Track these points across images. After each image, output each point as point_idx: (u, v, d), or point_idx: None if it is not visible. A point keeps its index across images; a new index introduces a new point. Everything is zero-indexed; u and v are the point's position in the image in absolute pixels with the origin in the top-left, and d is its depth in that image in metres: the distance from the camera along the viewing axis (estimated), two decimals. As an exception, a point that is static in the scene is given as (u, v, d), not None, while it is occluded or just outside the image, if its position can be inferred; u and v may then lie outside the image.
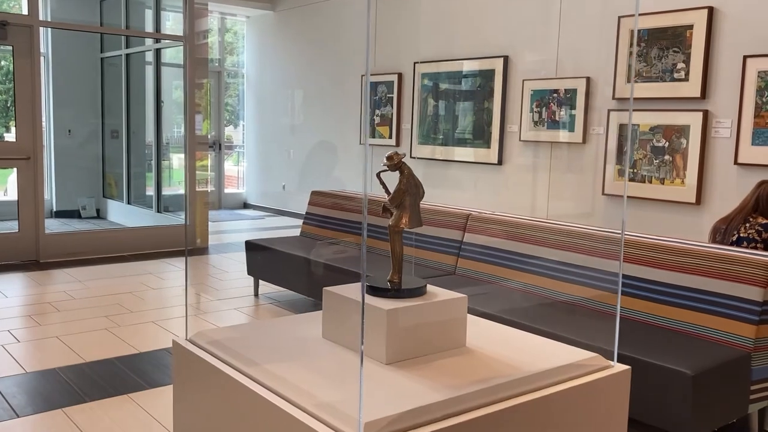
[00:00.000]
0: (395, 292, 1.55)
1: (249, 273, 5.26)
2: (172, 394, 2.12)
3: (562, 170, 6.20)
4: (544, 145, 6.32)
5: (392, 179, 1.77)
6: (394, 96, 7.92)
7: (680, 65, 5.30)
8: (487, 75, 6.81)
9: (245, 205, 10.96)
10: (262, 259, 5.01)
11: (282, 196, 10.08)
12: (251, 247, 5.16)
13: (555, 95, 6.19)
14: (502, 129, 6.69)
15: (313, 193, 5.57)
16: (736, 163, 4.99)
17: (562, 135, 6.14)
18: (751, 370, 2.82)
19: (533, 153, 6.43)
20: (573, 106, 6.05)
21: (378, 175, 1.64)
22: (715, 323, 2.91)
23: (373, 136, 8.21)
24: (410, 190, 1.58)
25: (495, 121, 6.74)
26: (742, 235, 3.39)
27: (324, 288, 1.59)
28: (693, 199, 5.23)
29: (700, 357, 2.72)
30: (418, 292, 1.58)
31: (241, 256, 6.53)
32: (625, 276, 3.24)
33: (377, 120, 8.17)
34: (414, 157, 7.61)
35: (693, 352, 2.77)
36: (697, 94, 5.18)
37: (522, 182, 6.54)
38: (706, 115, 5.16)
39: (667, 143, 5.39)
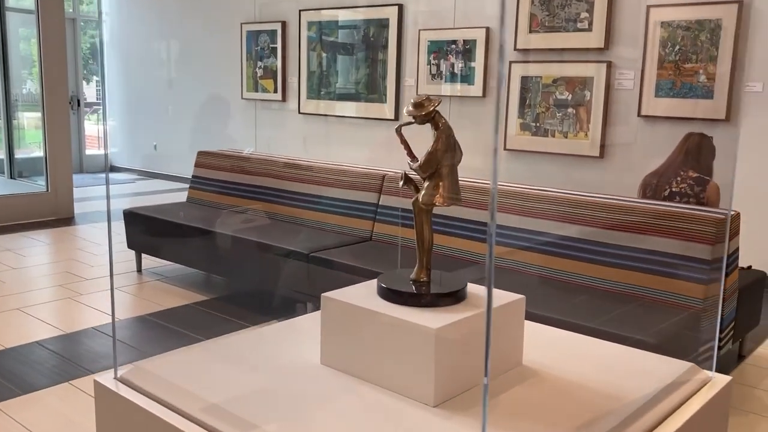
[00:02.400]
0: (431, 297, 1.06)
1: (130, 246, 4.63)
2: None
3: (463, 125, 5.96)
4: (443, 99, 6.05)
5: (418, 136, 1.30)
6: (278, 46, 7.33)
7: (584, 15, 5.17)
8: (381, 24, 6.41)
9: (112, 168, 9.97)
10: (149, 230, 4.40)
11: (154, 157, 9.22)
12: (133, 217, 4.53)
13: (453, 46, 5.91)
14: (398, 83, 6.35)
15: (201, 153, 4.98)
16: (639, 115, 4.96)
17: (462, 88, 5.89)
18: (700, 331, 2.71)
19: (432, 107, 6.14)
20: (472, 58, 5.80)
21: (399, 130, 1.19)
22: (663, 285, 2.77)
23: (256, 90, 7.61)
24: (449, 152, 1.16)
25: (390, 75, 6.38)
26: (674, 189, 3.28)
27: (323, 295, 1.11)
28: (597, 153, 5.18)
29: (655, 323, 2.56)
30: (461, 295, 1.09)
31: (114, 226, 5.82)
32: (568, 238, 3.03)
33: (260, 73, 7.56)
34: (302, 113, 7.12)
35: (647, 318, 2.60)
36: (601, 45, 5.08)
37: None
38: (609, 66, 5.07)
39: (570, 96, 5.28)
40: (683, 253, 2.73)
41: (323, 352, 1.24)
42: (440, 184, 1.12)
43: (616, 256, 2.87)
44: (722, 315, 2.82)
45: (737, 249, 2.89)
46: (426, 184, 1.13)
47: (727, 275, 2.80)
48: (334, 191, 3.99)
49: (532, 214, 3.16)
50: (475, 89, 5.79)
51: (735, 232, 2.84)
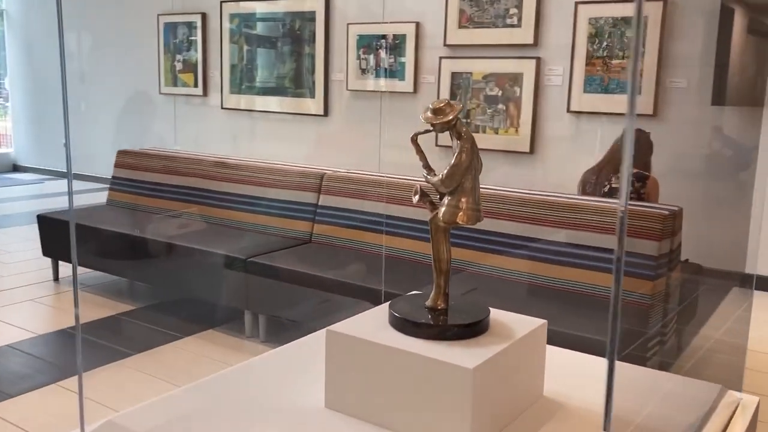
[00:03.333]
0: (456, 330, 0.93)
1: (46, 254, 4.30)
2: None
3: (394, 121, 5.89)
4: (373, 95, 5.95)
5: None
6: (198, 39, 7.03)
7: (513, 11, 5.18)
8: (307, 17, 6.23)
9: (15, 168, 9.34)
10: (69, 236, 4.09)
11: (64, 157, 8.68)
12: (49, 222, 4.21)
13: (383, 41, 5.81)
14: (326, 77, 6.19)
15: (121, 153, 4.69)
16: (569, 111, 5.02)
17: (393, 84, 5.81)
18: (648, 327, 2.73)
19: (362, 103, 6.04)
20: (402, 53, 5.73)
21: (415, 138, 1.06)
22: (610, 281, 2.76)
23: (175, 85, 7.27)
24: (473, 163, 1.03)
25: (318, 69, 6.22)
26: (614, 185, 3.30)
27: (328, 329, 0.94)
28: (527, 148, 5.21)
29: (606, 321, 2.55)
30: (484, 325, 0.96)
31: (25, 231, 5.42)
32: (513, 236, 3.00)
33: (179, 66, 7.22)
34: (225, 108, 6.86)
35: (598, 317, 2.59)
36: (530, 41, 5.11)
37: (351, 134, 6.14)
38: (538, 62, 5.11)
39: (501, 92, 5.29)
40: (631, 250, 2.74)
41: (329, 394, 1.05)
42: (463, 199, 1.00)
43: (561, 254, 2.86)
44: (667, 310, 2.86)
45: (680, 244, 2.94)
46: (447, 199, 1.01)
47: (671, 270, 2.84)
48: (269, 191, 3.82)
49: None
50: (406, 85, 5.72)
51: (678, 228, 2.88)
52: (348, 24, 5.96)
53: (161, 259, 3.67)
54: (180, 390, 1.11)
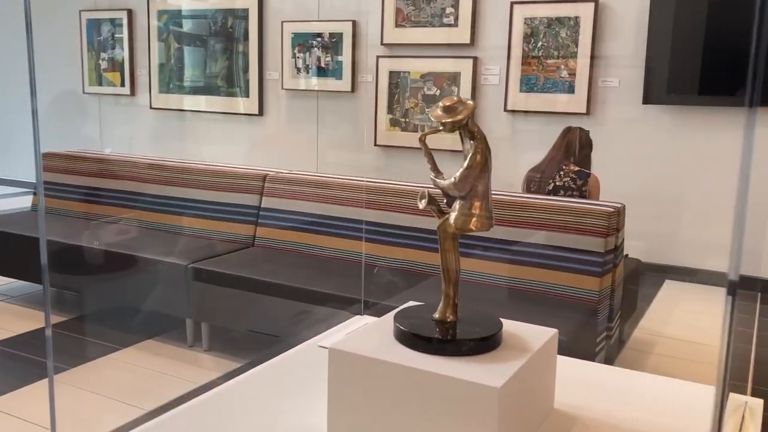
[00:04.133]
0: (471, 344, 0.86)
1: (-35, 264, 4.02)
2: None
3: (332, 121, 5.82)
4: (310, 94, 5.87)
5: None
6: (125, 37, 6.76)
7: (449, 10, 5.20)
8: (240, 15, 6.08)
9: (-76, 172, 8.75)
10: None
11: (-21, 160, 8.19)
12: (-33, 231, 3.93)
13: (319, 39, 5.74)
14: (261, 76, 6.06)
15: (47, 156, 4.44)
16: (506, 110, 5.08)
17: (330, 83, 5.74)
18: (597, 323, 2.78)
19: (298, 102, 5.94)
20: (339, 52, 5.67)
21: (423, 139, 0.99)
22: (559, 279, 2.80)
23: (100, 84, 6.98)
24: (487, 166, 0.98)
25: (252, 68, 6.09)
26: (558, 183, 3.35)
27: (330, 347, 0.83)
28: (466, 147, 5.24)
29: (563, 319, 2.58)
30: (498, 338, 0.89)
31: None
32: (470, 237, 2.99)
33: (104, 65, 6.93)
34: (155, 108, 6.62)
35: (550, 314, 2.62)
36: (467, 41, 5.14)
37: (288, 135, 6.03)
38: (475, 62, 5.15)
39: (439, 91, 5.31)
40: (577, 247, 2.78)
41: (333, 420, 0.92)
42: (476, 204, 0.96)
43: (511, 252, 2.87)
44: (613, 305, 2.92)
45: (623, 240, 2.99)
46: (458, 204, 0.96)
47: (615, 266, 2.90)
48: (209, 194, 3.70)
49: (409, 210, 3.08)
50: (344, 84, 5.66)
51: (622, 224, 2.93)
52: (282, 22, 5.85)
53: (95, 267, 3.49)
54: (158, 420, 0.99)
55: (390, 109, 5.50)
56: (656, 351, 3.52)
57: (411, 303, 1.00)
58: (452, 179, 0.93)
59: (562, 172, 3.37)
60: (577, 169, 3.36)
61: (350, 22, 5.55)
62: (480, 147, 0.92)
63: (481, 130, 0.94)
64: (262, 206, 3.56)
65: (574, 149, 3.41)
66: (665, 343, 3.65)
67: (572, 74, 4.85)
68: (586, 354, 2.69)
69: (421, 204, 0.95)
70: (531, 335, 0.91)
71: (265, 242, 3.51)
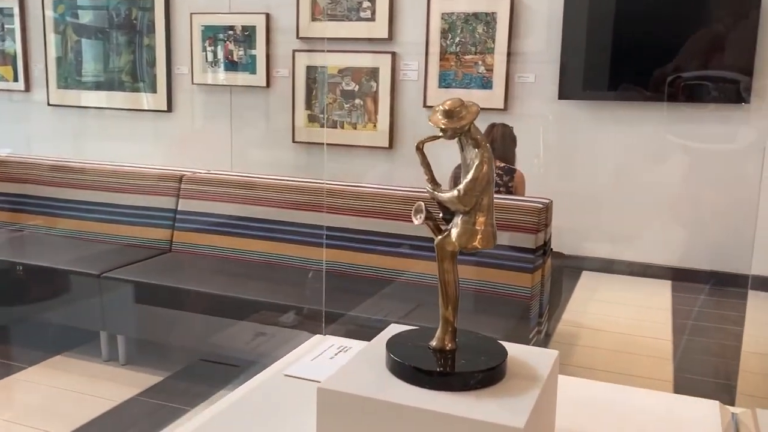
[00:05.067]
0: (480, 377, 0.78)
1: None
2: None
3: (246, 117, 5.63)
4: (222, 89, 5.64)
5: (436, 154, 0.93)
6: (17, 28, 6.28)
7: (366, 4, 5.12)
8: (145, 6, 5.77)
9: None
10: None
11: None
12: None
13: (231, 33, 5.52)
14: (169, 70, 5.78)
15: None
16: (425, 105, 5.06)
17: (243, 78, 5.54)
18: (530, 319, 2.78)
19: (210, 98, 5.71)
20: (252, 46, 5.48)
21: (421, 147, 0.88)
22: (492, 276, 2.78)
23: (-10, 80, 6.46)
24: (492, 176, 0.87)
25: (160, 62, 5.79)
26: (485, 180, 3.33)
27: (318, 387, 0.67)
28: (386, 144, 5.19)
29: (498, 317, 2.56)
30: (504, 368, 0.81)
31: None
32: (378, 234, 2.92)
33: (-6, 58, 6.42)
34: (53, 105, 6.20)
35: (487, 312, 2.60)
36: (385, 35, 5.08)
37: (199, 132, 5.79)
38: (394, 57, 5.10)
39: (358, 86, 5.22)
40: (509, 244, 2.77)
41: None
42: (480, 219, 0.86)
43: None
44: (543, 300, 2.93)
45: (551, 236, 3.02)
46: (460, 219, 0.86)
47: (545, 262, 2.91)
48: (120, 197, 3.46)
49: (333, 210, 2.99)
50: (258, 79, 5.48)
51: (550, 220, 2.95)
52: (191, 14, 5.60)
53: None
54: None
55: (308, 105, 5.37)
56: (581, 343, 3.59)
57: (395, 326, 0.91)
58: (455, 192, 0.84)
59: (488, 169, 3.35)
60: (502, 165, 3.36)
61: (264, 15, 5.37)
62: (486, 156, 0.83)
63: (484, 137, 0.86)
64: (179, 209, 3.37)
65: (498, 145, 3.41)
66: (588, 335, 3.72)
67: (489, 70, 4.88)
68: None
69: (417, 219, 0.85)
70: (533, 359, 0.84)
71: (184, 247, 3.32)
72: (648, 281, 4.63)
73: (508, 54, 4.83)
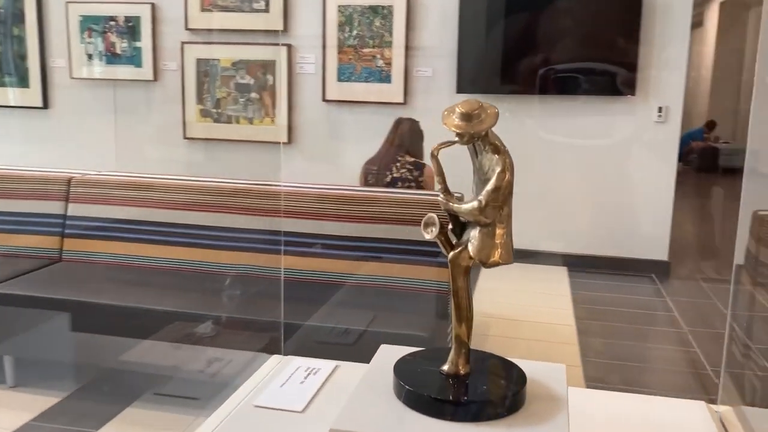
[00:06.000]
0: (503, 404, 0.70)
1: None
2: None
3: (132, 113, 5.30)
4: (105, 84, 5.28)
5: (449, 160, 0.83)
6: None
7: (259, -5, 4.95)
8: (13, -7, 5.29)
9: None
10: None
11: None
12: None
13: (113, 23, 5.18)
14: (43, 64, 5.34)
15: None
16: (324, 99, 4.96)
17: (128, 71, 5.21)
18: (448, 313, 2.77)
19: (92, 93, 5.33)
20: (137, 38, 5.16)
21: (436, 154, 0.78)
22: (413, 272, 2.75)
23: None
24: (512, 184, 0.78)
25: (32, 54, 5.34)
26: (395, 175, 3.30)
27: (332, 428, 0.65)
28: (285, 139, 5.06)
29: (420, 314, 2.54)
30: (524, 393, 0.73)
31: None
32: (304, 234, 2.82)
33: None
34: None
35: (409, 310, 2.57)
36: (280, 27, 4.93)
37: (80, 130, 5.38)
38: (290, 49, 4.96)
39: (253, 80, 5.05)
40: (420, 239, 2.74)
41: None
42: (498, 232, 0.78)
43: (362, 249, 2.77)
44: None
45: (464, 229, 3.02)
46: (478, 232, 0.78)
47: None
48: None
49: (230, 210, 2.87)
50: (144, 72, 5.17)
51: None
52: (67, 2, 5.19)
53: None
54: None
55: (200, 100, 5.12)
56: (492, 333, 3.64)
57: (387, 347, 0.84)
58: (475, 203, 0.76)
59: (398, 164, 3.33)
60: (412, 159, 3.34)
61: (149, 5, 5.07)
62: (508, 163, 0.77)
63: (503, 142, 0.79)
64: (68, 214, 3.10)
65: (407, 140, 3.39)
66: (497, 324, 3.79)
67: (388, 64, 4.86)
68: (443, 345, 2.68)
69: (429, 234, 0.78)
70: (544, 375, 0.79)
71: (76, 255, 3.06)
72: (546, 268, 4.79)
73: (406, 48, 4.82)
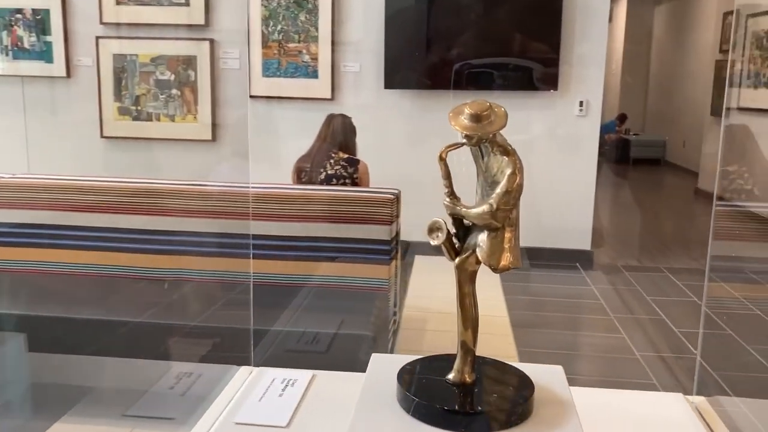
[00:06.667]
0: (516, 412, 0.68)
1: None
2: None
3: (43, 111, 5.02)
4: (12, 80, 4.98)
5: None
6: None
7: (179, -12, 4.78)
8: None
9: None
10: None
11: None
12: None
13: (19, 16, 4.88)
14: (-58, 59, 4.98)
15: None
16: (250, 96, 4.85)
17: (37, 67, 4.93)
18: (388, 311, 2.76)
19: (-2, 90, 5.02)
20: (47, 32, 4.89)
21: (444, 156, 0.72)
22: (351, 271, 2.72)
23: None
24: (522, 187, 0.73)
25: (-71, 48, 4.97)
26: (330, 172, 3.26)
27: None
28: (209, 136, 4.91)
29: (362, 313, 2.51)
30: (532, 402, 0.71)
31: None
32: (236, 235, 2.74)
33: None
34: None
35: (351, 310, 2.54)
36: (201, 21, 4.78)
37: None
38: (212, 44, 4.82)
39: (174, 76, 4.87)
40: (366, 237, 2.72)
41: None
42: (507, 236, 0.74)
43: (300, 249, 2.72)
44: (397, 290, 2.93)
45: (400, 225, 3.02)
46: (486, 236, 0.73)
47: (397, 251, 2.91)
48: None
49: (164, 212, 2.76)
50: (56, 68, 4.91)
51: (399, 209, 2.95)
52: (-33, -6, 4.86)
53: None
54: None
55: (117, 97, 4.91)
56: (428, 327, 3.66)
57: (378, 356, 0.80)
58: (485, 207, 0.72)
59: (332, 160, 3.28)
60: (346, 156, 3.30)
61: (58, -3, 4.81)
62: (519, 165, 0.74)
63: (509, 143, 0.76)
64: (-19, 220, 2.89)
65: (339, 136, 3.35)
66: (432, 318, 3.81)
67: (315, 59, 4.79)
68: (384, 345, 2.67)
69: (436, 239, 0.74)
70: (543, 378, 0.77)
71: (-9, 264, 2.86)
72: (476, 261, 4.85)
73: (333, 43, 4.77)
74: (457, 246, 0.78)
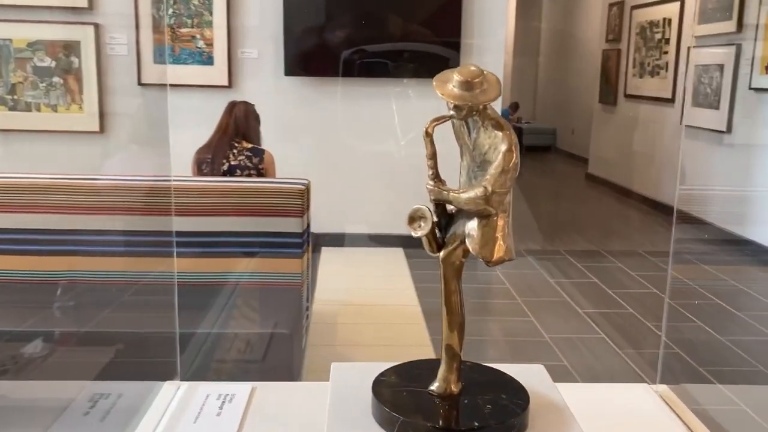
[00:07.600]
0: (516, 426, 0.61)
1: None
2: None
3: None
4: None
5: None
6: None
7: (56, -33, 4.42)
8: None
9: None
10: None
11: None
12: None
13: None
14: None
15: None
16: (140, 83, 4.56)
17: None
18: (302, 305, 2.66)
19: None
20: None
21: (431, 131, 0.59)
22: (263, 266, 2.59)
23: None
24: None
25: None
26: (233, 163, 3.09)
27: None
28: (96, 127, 4.58)
29: (277, 309, 2.39)
30: (528, 411, 0.64)
31: None
32: (148, 233, 2.54)
33: None
34: None
35: (267, 306, 2.41)
36: (84, 4, 4.44)
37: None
38: (97, 29, 4.49)
39: (54, 62, 4.51)
40: (277, 230, 2.60)
41: None
42: (500, 223, 0.63)
43: (209, 245, 2.56)
44: (309, 284, 2.84)
45: (310, 217, 2.91)
46: (476, 224, 0.62)
47: (309, 244, 2.81)
48: None
49: (63, 210, 2.54)
50: None
51: (309, 201, 2.84)
52: None
53: None
54: None
55: (-14, 86, 4.48)
56: (340, 320, 3.58)
57: (339, 365, 0.70)
58: (479, 190, 0.62)
59: (235, 150, 3.12)
60: (250, 146, 3.15)
61: None
62: (514, 141, 0.64)
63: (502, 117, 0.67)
64: None
65: (242, 125, 3.18)
66: (344, 311, 3.73)
67: (210, 45, 4.57)
68: (299, 341, 2.56)
69: (419, 230, 0.64)
70: (527, 379, 0.69)
71: None
72: (383, 250, 4.81)
73: (229, 28, 4.57)
74: (438, 237, 0.69)
